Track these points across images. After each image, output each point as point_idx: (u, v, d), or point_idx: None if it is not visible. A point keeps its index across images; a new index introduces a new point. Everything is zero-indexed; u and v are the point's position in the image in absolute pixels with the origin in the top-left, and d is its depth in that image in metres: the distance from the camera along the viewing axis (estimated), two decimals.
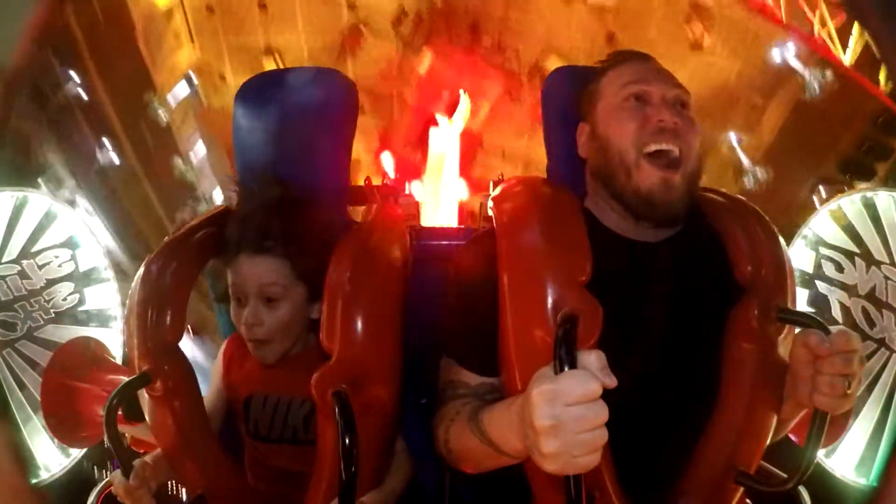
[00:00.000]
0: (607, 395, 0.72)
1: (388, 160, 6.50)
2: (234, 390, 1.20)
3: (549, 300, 0.94)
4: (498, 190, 1.16)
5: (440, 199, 6.33)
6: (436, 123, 6.64)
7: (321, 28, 6.03)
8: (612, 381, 0.72)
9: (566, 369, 0.72)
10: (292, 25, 5.85)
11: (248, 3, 5.64)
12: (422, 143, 6.69)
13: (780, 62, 5.13)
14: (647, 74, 1.09)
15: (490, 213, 1.15)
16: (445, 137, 6.58)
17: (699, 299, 1.06)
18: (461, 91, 6.58)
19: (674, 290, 1.05)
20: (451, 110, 6.62)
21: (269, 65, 5.70)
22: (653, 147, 1.02)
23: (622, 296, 1.02)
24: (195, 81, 5.31)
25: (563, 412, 0.70)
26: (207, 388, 1.27)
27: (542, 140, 1.31)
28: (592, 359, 0.73)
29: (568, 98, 1.22)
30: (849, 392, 0.87)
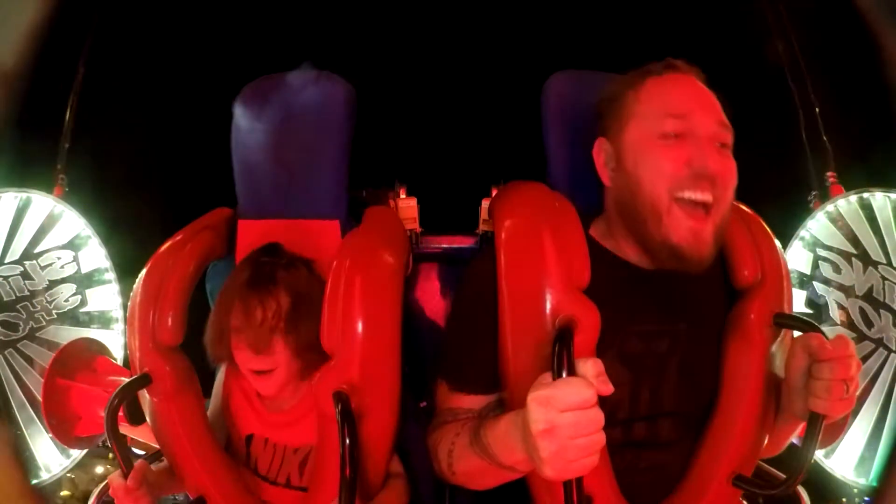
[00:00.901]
0: (606, 401, 0.73)
1: None
2: (235, 426, 1.21)
3: (548, 306, 0.95)
4: (498, 195, 1.16)
5: None
6: None
7: None
8: (608, 389, 0.73)
9: (563, 375, 0.72)
10: None
11: None
12: None
13: None
14: (691, 103, 0.97)
15: (490, 216, 1.15)
16: None
17: (702, 325, 1.06)
18: None
19: (679, 319, 1.04)
20: None
21: None
22: (687, 194, 0.93)
23: (627, 324, 1.02)
24: None
25: (558, 417, 0.71)
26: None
27: None
28: (589, 366, 0.74)
29: (570, 103, 1.22)
30: (846, 397, 0.87)
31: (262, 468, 1.17)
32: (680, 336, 1.03)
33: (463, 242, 1.59)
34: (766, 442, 1.06)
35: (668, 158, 0.94)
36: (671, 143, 0.94)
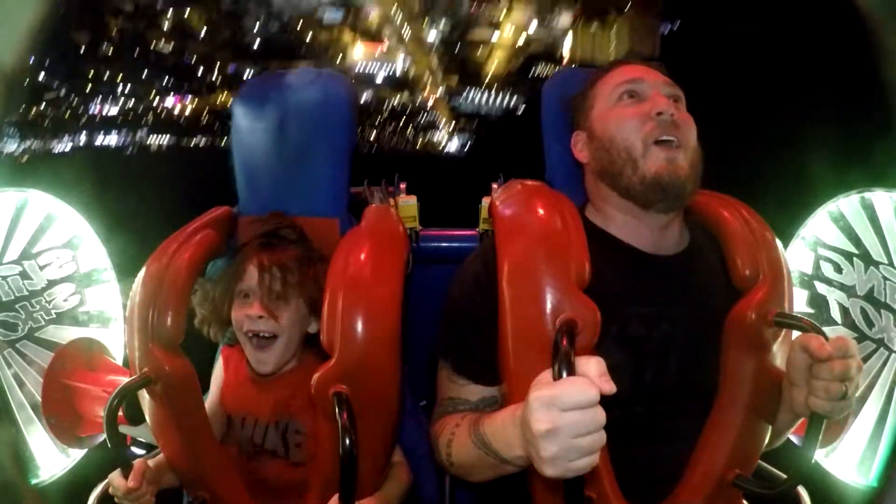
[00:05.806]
0: (607, 400, 0.73)
1: None
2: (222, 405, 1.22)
3: (548, 305, 0.95)
4: (498, 193, 1.16)
5: None
6: None
7: None
8: (610, 388, 0.72)
9: (565, 375, 0.72)
10: None
11: None
12: None
13: None
14: (637, 71, 1.11)
15: (490, 215, 1.15)
16: None
17: (704, 312, 1.06)
18: None
19: (680, 303, 1.05)
20: None
21: None
22: (658, 138, 1.04)
23: (628, 307, 1.02)
24: None
25: (560, 417, 0.71)
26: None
27: None
28: (591, 365, 0.74)
29: (568, 102, 1.22)
30: (846, 397, 0.87)
31: (245, 446, 1.19)
32: (679, 320, 1.04)
33: (463, 241, 1.59)
34: (766, 442, 1.06)
35: (632, 114, 1.06)
36: (630, 103, 1.07)
